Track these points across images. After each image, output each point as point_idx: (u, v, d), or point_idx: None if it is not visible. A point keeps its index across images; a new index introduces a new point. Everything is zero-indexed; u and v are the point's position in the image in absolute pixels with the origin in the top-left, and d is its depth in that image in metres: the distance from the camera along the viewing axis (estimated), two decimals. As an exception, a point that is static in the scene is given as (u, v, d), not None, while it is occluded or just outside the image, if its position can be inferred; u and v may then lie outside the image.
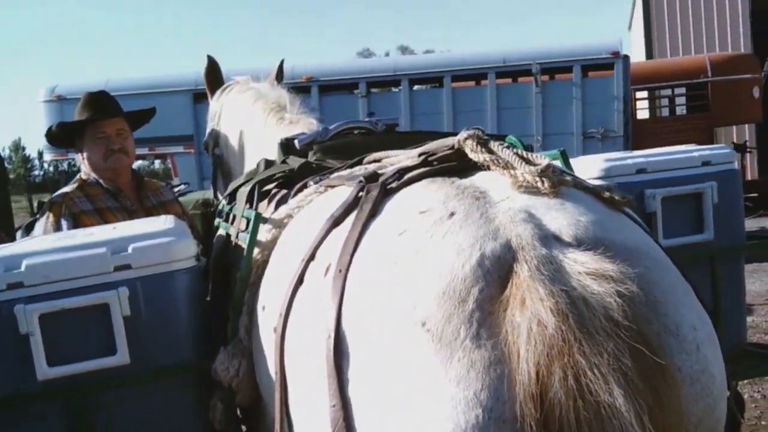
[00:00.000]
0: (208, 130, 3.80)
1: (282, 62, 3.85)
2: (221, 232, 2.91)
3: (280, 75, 3.74)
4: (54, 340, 1.99)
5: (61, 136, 3.58)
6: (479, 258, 1.41)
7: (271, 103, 3.35)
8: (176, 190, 5.90)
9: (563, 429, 1.25)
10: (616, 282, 1.35)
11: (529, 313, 1.31)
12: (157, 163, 16.54)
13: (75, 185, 3.45)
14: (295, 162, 2.48)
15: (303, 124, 3.25)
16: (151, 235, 2.12)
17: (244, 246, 2.23)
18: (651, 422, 1.26)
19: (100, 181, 3.43)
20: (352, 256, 1.60)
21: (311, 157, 2.52)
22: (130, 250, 2.06)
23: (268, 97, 3.41)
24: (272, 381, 1.83)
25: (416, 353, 1.37)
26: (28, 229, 5.87)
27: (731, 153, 2.76)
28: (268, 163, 2.78)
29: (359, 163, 2.25)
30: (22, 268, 2.00)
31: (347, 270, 1.58)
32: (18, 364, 1.99)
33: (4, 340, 1.98)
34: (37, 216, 3.75)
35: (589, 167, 2.63)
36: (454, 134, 2.09)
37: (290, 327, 1.72)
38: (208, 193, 4.82)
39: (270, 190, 2.49)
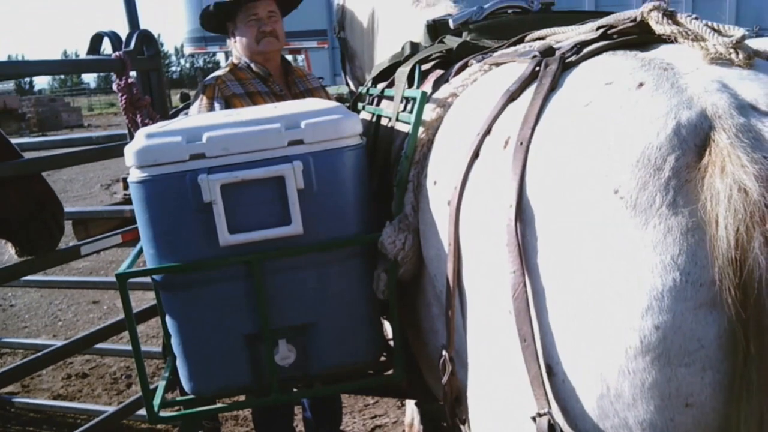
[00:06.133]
0: (335, 8, 3.79)
1: None
2: (365, 115, 2.96)
3: None
4: (233, 209, 2.12)
5: (215, 18, 3.61)
6: (675, 126, 1.39)
7: None
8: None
9: (762, 294, 1.25)
10: None
11: (730, 180, 1.30)
12: (290, 58, 16.79)
13: (226, 69, 3.53)
14: (452, 42, 2.47)
15: (443, 7, 3.20)
16: (321, 112, 2.19)
17: (406, 126, 2.27)
18: None
19: (251, 65, 3.51)
20: (533, 128, 1.61)
21: (466, 38, 2.51)
22: (302, 125, 2.14)
23: None
24: (442, 254, 1.89)
25: (608, 220, 1.39)
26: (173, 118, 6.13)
27: None
28: (413, 46, 2.78)
29: (521, 41, 2.23)
30: (204, 140, 2.11)
31: (529, 142, 1.59)
32: (201, 231, 2.13)
33: (188, 208, 2.11)
34: (179, 107, 3.88)
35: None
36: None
37: (466, 199, 1.76)
38: (342, 88, 4.88)
39: (427, 70, 2.50)
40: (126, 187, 11.86)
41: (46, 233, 3.31)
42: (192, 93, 4.09)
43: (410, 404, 3.68)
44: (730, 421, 1.33)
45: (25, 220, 3.24)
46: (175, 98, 15.10)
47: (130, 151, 2.15)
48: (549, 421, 1.46)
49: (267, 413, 3.78)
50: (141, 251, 2.45)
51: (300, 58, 13.57)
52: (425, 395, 2.68)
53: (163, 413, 2.44)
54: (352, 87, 3.92)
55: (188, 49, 14.90)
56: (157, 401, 2.38)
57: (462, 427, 1.95)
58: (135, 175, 2.15)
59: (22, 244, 3.32)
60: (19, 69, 4.05)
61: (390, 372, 2.56)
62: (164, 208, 2.13)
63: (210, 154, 2.11)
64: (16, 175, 3.21)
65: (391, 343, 2.49)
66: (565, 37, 2.02)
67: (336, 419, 4.21)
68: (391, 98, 2.60)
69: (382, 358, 2.57)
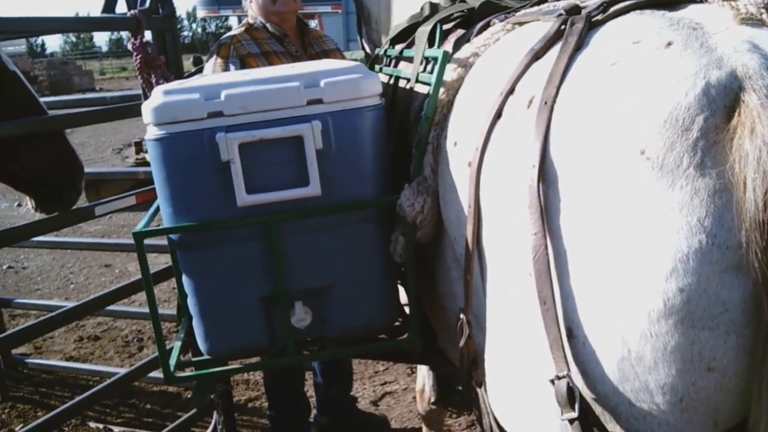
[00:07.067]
0: None
1: None
2: (382, 77, 2.92)
3: None
4: (251, 169, 2.10)
5: None
6: (704, 86, 1.36)
7: None
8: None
9: None
10: None
11: (760, 141, 1.27)
12: (304, 22, 16.68)
13: (242, 29, 3.49)
14: (474, 1, 2.43)
15: None
16: (341, 71, 2.16)
17: (426, 87, 2.24)
18: None
19: (267, 25, 3.47)
20: (558, 88, 1.58)
21: None
22: (322, 84, 2.11)
23: None
24: (463, 216, 1.88)
25: (634, 181, 1.37)
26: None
27: None
28: (432, 7, 2.73)
29: (545, 1, 2.19)
30: (222, 98, 2.09)
31: (554, 101, 1.57)
32: (218, 190, 2.11)
33: (206, 166, 2.09)
34: (192, 71, 3.85)
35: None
36: None
37: (487, 160, 1.74)
38: (356, 54, 4.82)
39: (448, 30, 2.47)
40: (138, 151, 11.87)
41: (61, 193, 3.32)
42: (205, 57, 4.05)
43: (421, 371, 3.68)
44: (752, 386, 1.32)
45: (41, 178, 3.24)
46: (187, 63, 14.97)
47: (147, 108, 2.13)
48: (568, 383, 1.46)
49: (278, 378, 3.80)
50: (157, 211, 2.44)
51: (313, 23, 13.47)
52: (438, 360, 2.67)
53: (178, 374, 2.45)
54: (368, 50, 3.88)
55: (201, 13, 14.73)
56: (172, 362, 2.39)
57: (478, 390, 1.95)
58: (152, 132, 2.13)
59: (38, 200, 3.33)
60: (32, 25, 3.98)
61: (404, 336, 2.56)
62: (181, 166, 2.11)
63: (228, 112, 2.08)
64: (33, 132, 3.20)
65: (406, 307, 2.48)
66: None
67: (346, 385, 4.23)
68: (409, 59, 2.56)
69: (397, 323, 2.56)
